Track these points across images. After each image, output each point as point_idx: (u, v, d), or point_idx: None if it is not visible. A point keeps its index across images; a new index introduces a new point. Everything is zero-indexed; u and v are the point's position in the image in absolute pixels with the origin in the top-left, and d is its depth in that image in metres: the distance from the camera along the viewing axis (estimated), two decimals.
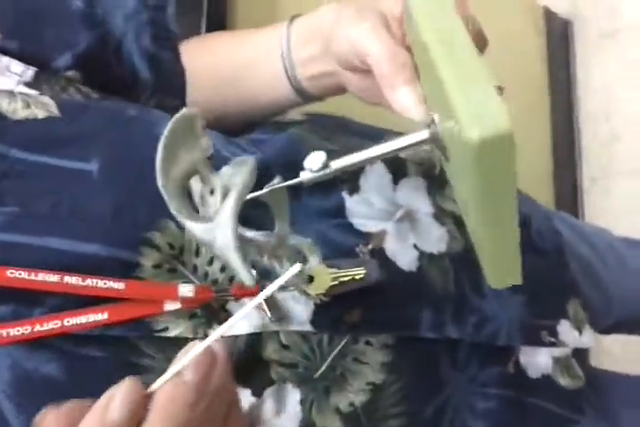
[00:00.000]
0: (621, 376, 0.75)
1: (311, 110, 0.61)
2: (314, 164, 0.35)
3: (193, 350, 0.30)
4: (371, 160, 0.37)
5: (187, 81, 0.56)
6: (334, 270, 0.43)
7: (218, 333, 0.31)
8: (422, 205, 0.52)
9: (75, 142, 0.43)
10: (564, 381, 0.55)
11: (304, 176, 0.36)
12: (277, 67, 0.55)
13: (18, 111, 0.43)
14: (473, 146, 0.29)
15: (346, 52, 0.46)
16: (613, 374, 0.76)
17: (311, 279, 0.43)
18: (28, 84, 0.46)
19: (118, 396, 0.29)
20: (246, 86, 0.58)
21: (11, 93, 0.44)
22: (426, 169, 0.55)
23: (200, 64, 0.57)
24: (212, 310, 0.42)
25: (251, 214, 0.35)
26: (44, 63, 0.48)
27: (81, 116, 0.45)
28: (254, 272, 0.37)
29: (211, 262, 0.43)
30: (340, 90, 0.53)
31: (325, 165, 0.35)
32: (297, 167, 0.47)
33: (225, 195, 0.34)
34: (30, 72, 0.47)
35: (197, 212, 0.35)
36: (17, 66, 0.46)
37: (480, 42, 0.45)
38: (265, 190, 0.36)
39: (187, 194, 0.35)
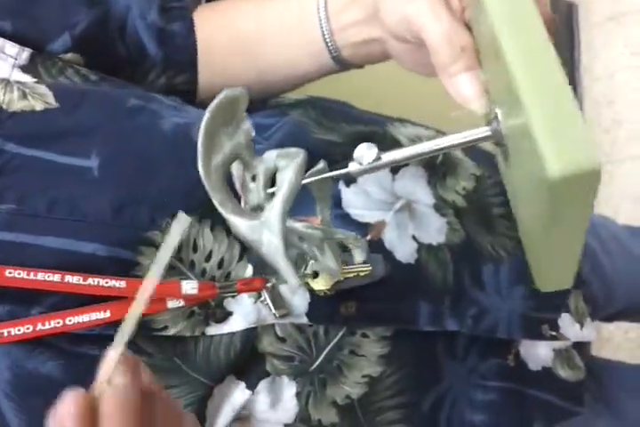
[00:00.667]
0: (621, 365, 0.75)
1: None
2: (365, 156, 0.34)
3: (109, 357, 0.30)
4: (423, 155, 0.35)
5: (199, 54, 0.52)
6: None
7: (123, 337, 0.30)
8: (422, 196, 0.51)
9: (74, 136, 0.42)
10: (564, 372, 0.55)
11: (353, 168, 0.34)
12: (312, 33, 0.49)
13: (14, 102, 0.42)
14: (552, 182, 0.26)
15: (396, 25, 0.42)
16: (614, 363, 0.76)
17: (316, 275, 0.43)
18: (23, 68, 0.45)
19: (66, 413, 0.28)
20: (273, 55, 0.52)
21: (6, 82, 0.43)
22: (427, 158, 0.54)
23: (217, 32, 0.53)
24: (208, 308, 0.42)
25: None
26: (40, 45, 0.46)
27: (79, 106, 0.43)
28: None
29: (208, 259, 0.42)
30: (385, 57, 0.49)
31: (378, 158, 0.34)
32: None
33: (267, 182, 0.33)
34: (26, 54, 0.45)
35: (238, 199, 0.34)
36: (11, 47, 0.45)
37: (551, 27, 0.41)
38: (312, 179, 0.35)
39: (227, 182, 0.34)
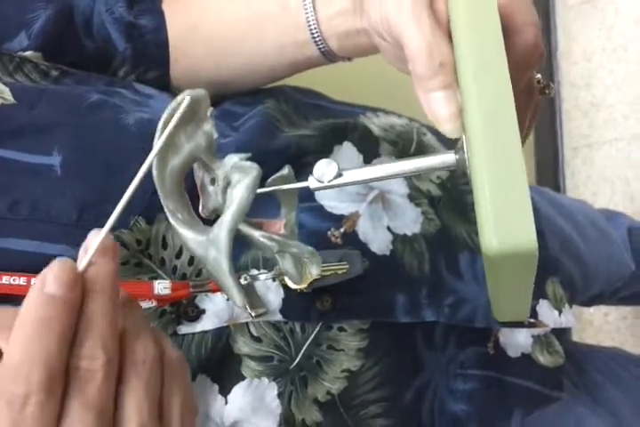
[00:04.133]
0: (602, 350, 0.76)
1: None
2: (326, 174, 0.33)
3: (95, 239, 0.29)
4: (386, 178, 0.34)
5: (170, 49, 0.50)
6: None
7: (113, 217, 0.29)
8: (396, 186, 0.50)
9: (33, 133, 0.40)
10: (543, 358, 0.55)
11: (313, 185, 0.33)
12: (298, 20, 0.47)
13: None
14: (488, 254, 0.27)
15: (376, 23, 0.41)
16: (594, 348, 0.77)
17: None
18: None
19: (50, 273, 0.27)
20: (253, 48, 0.50)
21: None
22: (400, 148, 0.54)
23: (190, 24, 0.51)
24: (180, 306, 0.40)
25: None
26: None
27: (38, 102, 0.42)
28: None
29: (179, 255, 0.41)
30: (374, 50, 0.47)
31: (339, 174, 0.33)
32: (269, 153, 0.46)
33: (226, 187, 0.32)
34: None
35: (196, 203, 0.33)
36: None
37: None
38: (269, 189, 0.34)
39: (184, 187, 0.33)
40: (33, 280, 0.36)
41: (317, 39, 0.47)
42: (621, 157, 1.46)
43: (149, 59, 0.51)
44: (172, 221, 0.32)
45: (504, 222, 0.26)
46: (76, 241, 0.37)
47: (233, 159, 0.32)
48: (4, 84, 0.42)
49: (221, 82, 0.53)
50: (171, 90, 0.54)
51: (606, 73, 1.51)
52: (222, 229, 0.31)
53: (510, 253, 0.26)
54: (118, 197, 0.35)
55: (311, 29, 0.47)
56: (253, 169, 0.31)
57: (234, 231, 0.31)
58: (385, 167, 0.34)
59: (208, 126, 0.32)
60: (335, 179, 0.33)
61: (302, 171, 0.48)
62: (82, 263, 0.28)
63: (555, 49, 1.59)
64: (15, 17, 0.46)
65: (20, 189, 0.38)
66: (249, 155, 0.33)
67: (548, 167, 1.55)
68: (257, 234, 0.33)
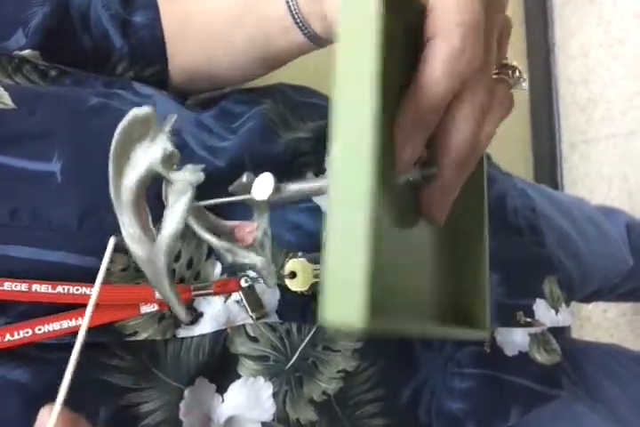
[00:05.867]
0: (599, 347, 0.76)
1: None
2: (263, 190, 0.33)
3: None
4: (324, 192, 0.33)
5: (166, 44, 0.50)
6: (317, 267, 0.43)
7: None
8: None
9: (33, 139, 0.40)
10: (540, 357, 0.56)
11: (257, 196, 0.33)
12: (280, 8, 0.46)
13: None
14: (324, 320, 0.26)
15: None
16: (590, 344, 0.77)
17: (293, 275, 0.43)
18: None
19: None
20: (242, 37, 0.49)
21: None
22: None
23: (183, 14, 0.50)
24: None
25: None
26: None
27: (37, 107, 0.42)
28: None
29: (177, 259, 0.41)
30: None
31: (277, 189, 0.33)
32: (267, 159, 0.47)
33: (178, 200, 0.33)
34: None
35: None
36: None
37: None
38: (213, 202, 0.34)
39: (143, 202, 0.34)
40: (34, 286, 0.36)
41: (300, 24, 0.46)
42: (619, 153, 1.46)
43: (146, 55, 0.51)
44: (124, 234, 0.33)
45: (337, 300, 0.25)
46: (76, 248, 0.38)
47: (180, 175, 0.33)
48: (4, 87, 0.42)
49: (217, 76, 0.53)
50: (170, 88, 0.54)
51: (604, 69, 1.51)
52: (159, 251, 0.32)
53: (339, 325, 0.26)
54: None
55: (293, 14, 0.45)
56: (188, 190, 0.32)
57: (171, 254, 0.32)
58: (321, 181, 0.33)
59: (163, 140, 0.33)
60: (275, 194, 0.33)
61: (300, 171, 0.48)
62: None
63: (552, 44, 1.59)
64: (11, 15, 0.46)
65: (21, 197, 0.39)
66: (203, 166, 0.33)
67: (545, 163, 1.55)
68: (214, 243, 0.33)
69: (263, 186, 0.33)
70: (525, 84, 0.39)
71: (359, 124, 0.26)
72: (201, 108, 0.52)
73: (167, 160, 0.33)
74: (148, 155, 0.33)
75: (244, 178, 0.34)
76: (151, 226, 0.33)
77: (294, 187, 0.33)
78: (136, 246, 0.33)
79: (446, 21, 0.32)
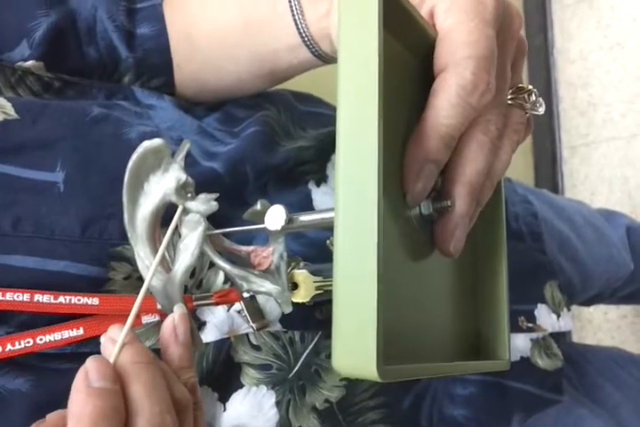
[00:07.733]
0: (600, 350, 0.76)
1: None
2: (275, 221, 0.33)
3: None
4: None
5: (172, 54, 0.49)
6: (319, 279, 0.42)
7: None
8: None
9: (36, 149, 0.40)
10: (542, 362, 0.56)
11: (270, 226, 0.33)
12: (287, 27, 0.45)
13: None
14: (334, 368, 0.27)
15: None
16: (592, 347, 0.77)
17: (295, 286, 0.42)
18: None
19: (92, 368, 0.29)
20: (249, 53, 0.48)
21: None
22: None
23: (185, 33, 0.49)
24: None
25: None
26: None
27: (40, 117, 0.41)
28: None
29: None
30: None
31: (289, 221, 0.33)
32: (267, 168, 0.47)
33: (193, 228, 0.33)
34: None
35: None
36: None
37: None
38: (239, 229, 0.35)
39: (158, 232, 0.34)
40: (36, 296, 0.36)
41: (308, 43, 0.45)
42: (619, 156, 1.47)
43: (152, 66, 0.50)
44: (139, 265, 0.33)
45: (348, 350, 0.26)
46: (79, 257, 0.38)
47: (193, 205, 0.33)
48: (7, 99, 0.42)
49: (225, 88, 0.52)
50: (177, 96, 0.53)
51: (603, 72, 1.51)
52: (173, 286, 0.33)
53: (350, 374, 0.26)
54: (117, 211, 0.35)
55: (301, 33, 0.45)
56: (200, 224, 0.33)
57: (184, 284, 0.33)
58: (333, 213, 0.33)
59: (176, 170, 0.33)
60: (288, 225, 0.33)
61: (300, 179, 0.48)
62: (112, 357, 0.31)
63: (551, 48, 1.60)
64: (16, 25, 0.46)
65: (23, 206, 0.38)
66: (216, 195, 0.34)
67: (545, 167, 1.55)
68: (229, 270, 0.34)
69: (276, 217, 0.33)
70: (542, 109, 0.38)
71: (363, 166, 0.26)
72: (206, 109, 0.52)
73: (181, 189, 0.33)
74: (162, 185, 0.33)
75: (258, 206, 0.34)
76: (166, 256, 0.34)
77: (306, 218, 0.33)
78: (147, 276, 0.33)
79: (457, 54, 0.31)
